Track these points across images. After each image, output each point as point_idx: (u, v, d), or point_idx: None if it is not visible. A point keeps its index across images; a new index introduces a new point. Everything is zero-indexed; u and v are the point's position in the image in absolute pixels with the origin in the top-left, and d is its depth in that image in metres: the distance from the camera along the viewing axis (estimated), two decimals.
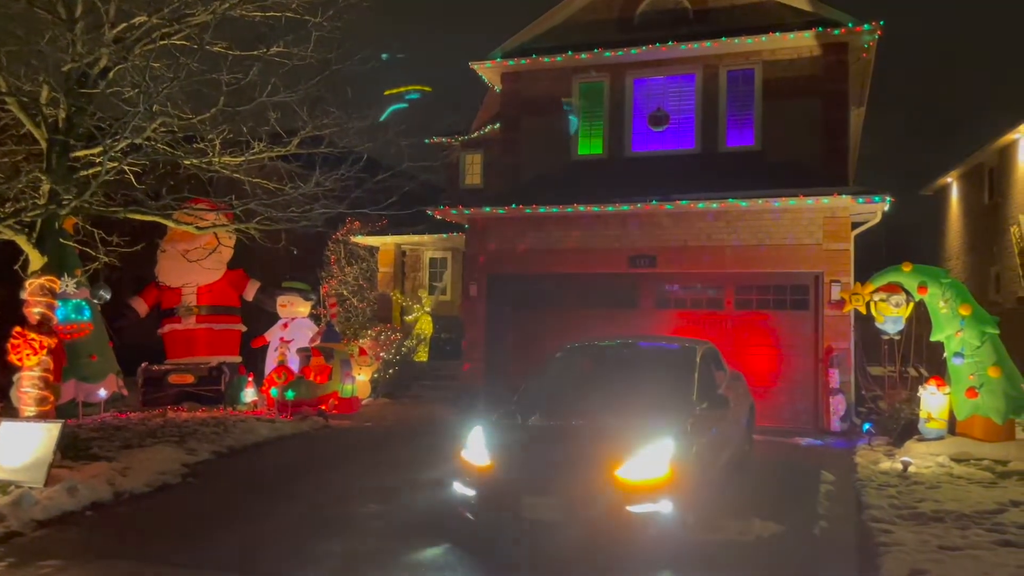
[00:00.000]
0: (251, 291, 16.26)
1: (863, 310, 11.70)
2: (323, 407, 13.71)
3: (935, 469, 9.53)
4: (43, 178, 8.74)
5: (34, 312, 9.05)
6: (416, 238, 19.40)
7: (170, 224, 10.28)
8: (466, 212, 15.18)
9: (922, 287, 10.91)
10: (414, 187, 21.02)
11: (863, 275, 12.26)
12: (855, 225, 13.41)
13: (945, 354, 10.91)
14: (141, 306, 15.83)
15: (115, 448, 9.98)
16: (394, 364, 17.00)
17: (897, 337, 11.85)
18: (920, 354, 12.55)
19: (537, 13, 16.18)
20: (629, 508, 6.36)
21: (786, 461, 10.57)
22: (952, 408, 10.63)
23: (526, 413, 7.72)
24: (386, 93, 17.88)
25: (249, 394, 14.55)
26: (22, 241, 8.88)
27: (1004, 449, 10.03)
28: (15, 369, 9.51)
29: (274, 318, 16.24)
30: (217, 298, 15.76)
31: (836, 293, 12.88)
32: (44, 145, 8.89)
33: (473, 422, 7.76)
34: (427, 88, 18.70)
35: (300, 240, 11.21)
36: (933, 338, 11.11)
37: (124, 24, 8.78)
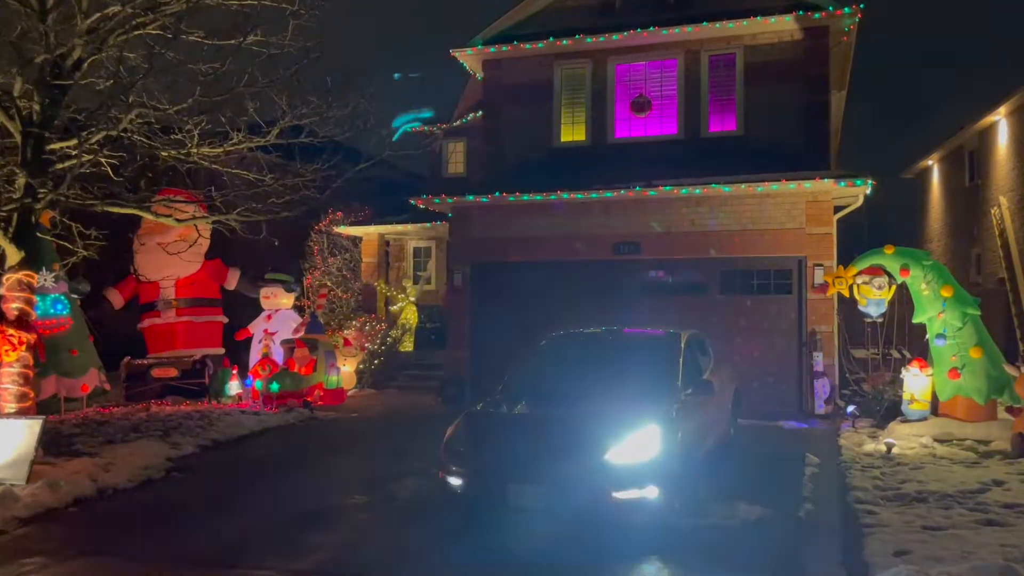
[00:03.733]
0: (232, 280, 16.11)
1: (846, 293, 11.76)
2: (308, 399, 13.65)
3: (918, 450, 9.61)
4: (18, 171, 8.62)
5: (12, 308, 8.93)
6: (400, 228, 19.33)
7: (149, 216, 10.16)
8: (449, 201, 15.12)
9: (904, 269, 10.97)
10: (397, 176, 20.98)
11: (845, 258, 12.32)
12: (837, 209, 13.47)
13: (927, 336, 10.99)
14: (116, 298, 15.63)
15: (98, 443, 9.91)
16: (379, 355, 16.96)
17: (880, 320, 11.92)
18: (903, 336, 12.64)
19: None
20: (615, 494, 6.37)
21: (771, 444, 10.62)
22: (935, 389, 10.71)
23: (511, 402, 7.72)
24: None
25: (234, 387, 14.47)
26: None
27: (986, 429, 10.13)
28: None
29: (258, 309, 16.14)
30: (197, 290, 15.61)
31: (819, 277, 12.93)
32: (18, 138, 8.75)
33: (459, 411, 7.75)
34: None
35: (282, 231, 11.12)
36: (915, 320, 11.19)
37: (97, 14, 8.63)
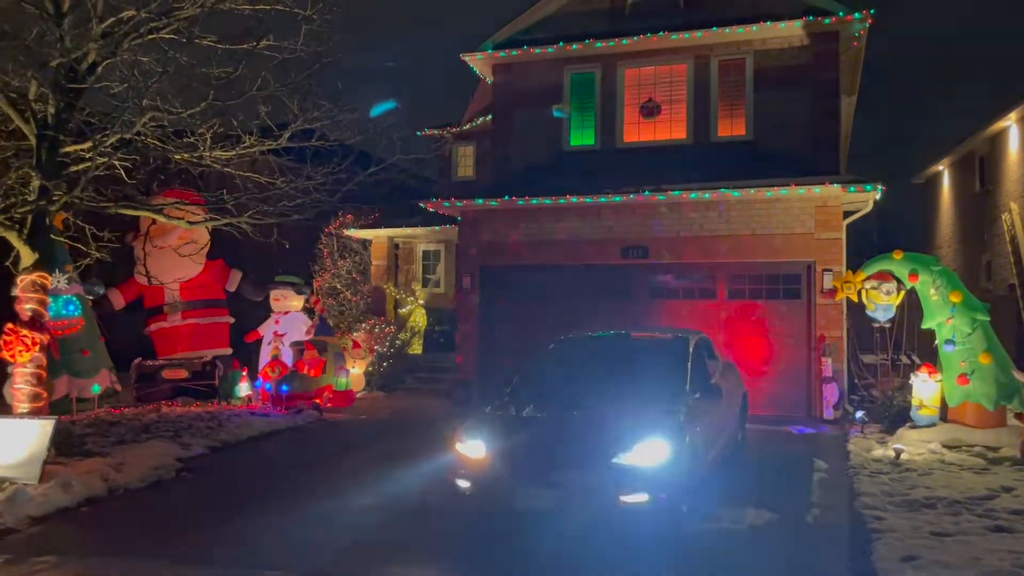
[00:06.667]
0: (234, 281, 16.16)
1: (855, 298, 11.74)
2: (317, 400, 13.71)
3: (927, 456, 9.59)
4: (33, 174, 8.71)
5: (26, 308, 9.01)
6: (409, 231, 19.38)
7: (161, 219, 10.23)
8: (458, 204, 15.18)
9: (913, 275, 10.94)
10: (407, 180, 21.05)
11: (855, 263, 12.30)
12: (847, 214, 13.45)
13: (937, 341, 10.96)
14: (117, 299, 15.58)
15: (109, 444, 9.99)
16: (388, 357, 17.00)
17: (888, 325, 11.89)
18: (912, 342, 12.61)
19: (529, 3, 16.13)
20: (623, 498, 6.39)
21: (779, 449, 10.62)
22: (944, 395, 10.68)
23: (520, 405, 7.73)
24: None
25: (243, 388, 14.54)
26: (13, 237, 8.85)
27: (995, 435, 10.09)
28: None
29: (267, 311, 16.21)
30: (201, 292, 15.66)
31: (828, 282, 12.93)
32: (33, 141, 8.85)
33: (467, 414, 7.78)
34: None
35: (292, 234, 11.18)
36: (924, 326, 11.16)
37: (112, 18, 8.71)
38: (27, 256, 8.94)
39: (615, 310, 13.88)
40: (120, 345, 14.81)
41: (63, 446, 9.13)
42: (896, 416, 11.46)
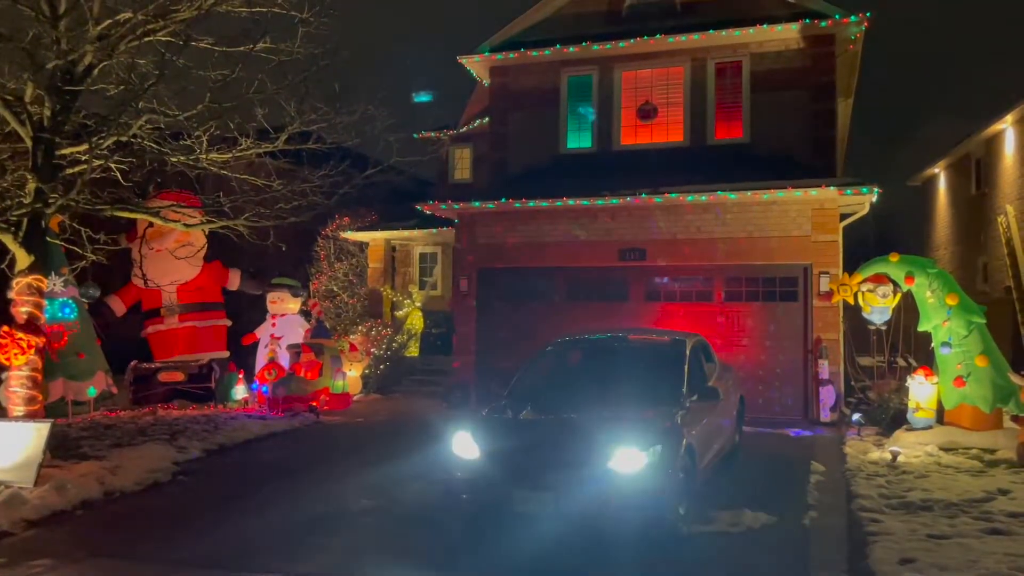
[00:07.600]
0: (234, 280, 16.11)
1: (851, 301, 11.74)
2: (314, 403, 13.68)
3: (924, 458, 9.60)
4: (29, 176, 8.69)
5: (21, 311, 8.99)
6: (406, 233, 19.38)
7: (158, 221, 10.21)
8: (455, 207, 15.17)
9: (909, 277, 10.95)
10: (404, 182, 21.07)
11: (852, 266, 12.30)
12: (843, 216, 13.46)
13: (933, 344, 10.97)
14: (118, 305, 15.56)
15: (105, 447, 9.96)
16: (385, 360, 16.98)
17: (883, 327, 11.90)
18: (908, 344, 12.63)
19: (526, 6, 16.14)
20: (619, 500, 6.38)
21: (776, 452, 10.61)
22: (940, 397, 10.69)
23: (516, 407, 7.72)
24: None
25: (240, 391, 14.51)
26: (8, 240, 8.83)
27: (992, 437, 10.10)
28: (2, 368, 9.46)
29: (263, 313, 16.18)
30: (198, 295, 15.62)
31: (825, 284, 12.93)
32: (29, 143, 8.83)
33: (464, 417, 7.77)
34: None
35: (289, 236, 11.17)
36: (920, 328, 11.16)
37: (108, 21, 8.71)
38: (23, 259, 8.92)
39: (612, 312, 13.88)
40: (116, 348, 14.77)
41: (59, 449, 9.11)
42: (893, 419, 11.47)
